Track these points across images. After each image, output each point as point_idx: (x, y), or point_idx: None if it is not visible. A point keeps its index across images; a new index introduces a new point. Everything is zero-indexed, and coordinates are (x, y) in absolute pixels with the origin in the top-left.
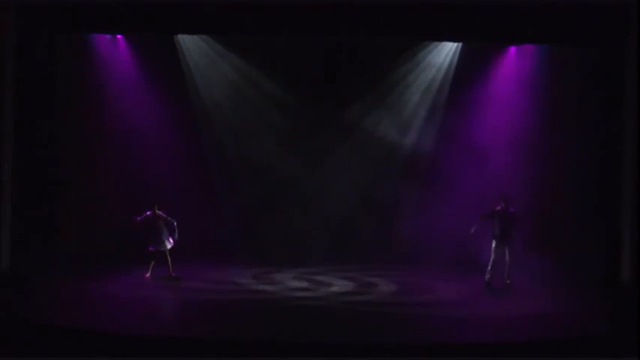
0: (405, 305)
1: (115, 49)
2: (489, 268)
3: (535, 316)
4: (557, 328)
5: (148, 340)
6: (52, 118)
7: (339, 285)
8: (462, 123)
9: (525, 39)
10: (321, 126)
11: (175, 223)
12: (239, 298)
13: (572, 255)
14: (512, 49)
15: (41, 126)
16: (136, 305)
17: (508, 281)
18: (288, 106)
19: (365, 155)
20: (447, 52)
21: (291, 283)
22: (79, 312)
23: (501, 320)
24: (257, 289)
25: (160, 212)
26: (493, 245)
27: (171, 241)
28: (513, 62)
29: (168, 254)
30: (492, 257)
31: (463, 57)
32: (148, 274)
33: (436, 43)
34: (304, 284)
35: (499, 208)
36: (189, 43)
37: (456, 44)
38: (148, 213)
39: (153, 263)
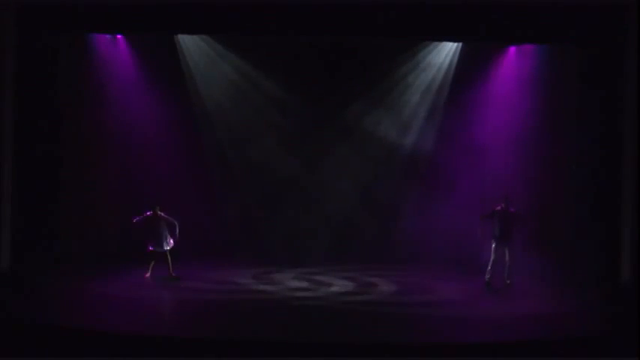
0: (405, 305)
1: (115, 49)
2: (489, 268)
3: (535, 316)
4: (557, 328)
5: (148, 340)
6: (52, 118)
7: (339, 285)
8: (462, 123)
9: (525, 39)
10: (321, 126)
11: (177, 224)
12: (239, 298)
13: (572, 255)
14: (512, 49)
15: (41, 126)
16: (136, 305)
17: (508, 281)
18: (288, 106)
19: (365, 155)
20: (447, 52)
21: (291, 283)
22: (79, 312)
23: (501, 320)
24: (257, 289)
25: (162, 213)
26: (493, 245)
27: (171, 242)
28: (513, 62)
29: (168, 254)
30: (492, 257)
31: (463, 57)
32: (148, 274)
33: (436, 43)
34: (304, 284)
35: (499, 208)
36: (189, 43)
37: (456, 44)
38: (148, 213)
39: (153, 263)
